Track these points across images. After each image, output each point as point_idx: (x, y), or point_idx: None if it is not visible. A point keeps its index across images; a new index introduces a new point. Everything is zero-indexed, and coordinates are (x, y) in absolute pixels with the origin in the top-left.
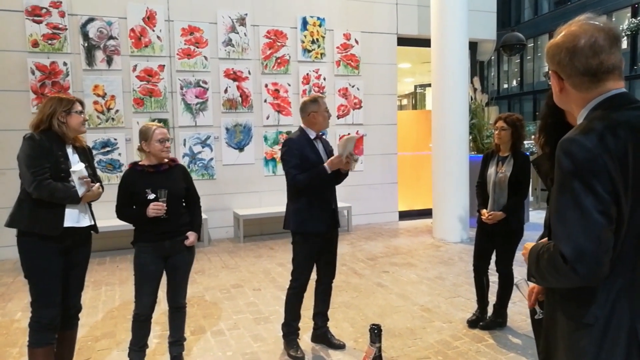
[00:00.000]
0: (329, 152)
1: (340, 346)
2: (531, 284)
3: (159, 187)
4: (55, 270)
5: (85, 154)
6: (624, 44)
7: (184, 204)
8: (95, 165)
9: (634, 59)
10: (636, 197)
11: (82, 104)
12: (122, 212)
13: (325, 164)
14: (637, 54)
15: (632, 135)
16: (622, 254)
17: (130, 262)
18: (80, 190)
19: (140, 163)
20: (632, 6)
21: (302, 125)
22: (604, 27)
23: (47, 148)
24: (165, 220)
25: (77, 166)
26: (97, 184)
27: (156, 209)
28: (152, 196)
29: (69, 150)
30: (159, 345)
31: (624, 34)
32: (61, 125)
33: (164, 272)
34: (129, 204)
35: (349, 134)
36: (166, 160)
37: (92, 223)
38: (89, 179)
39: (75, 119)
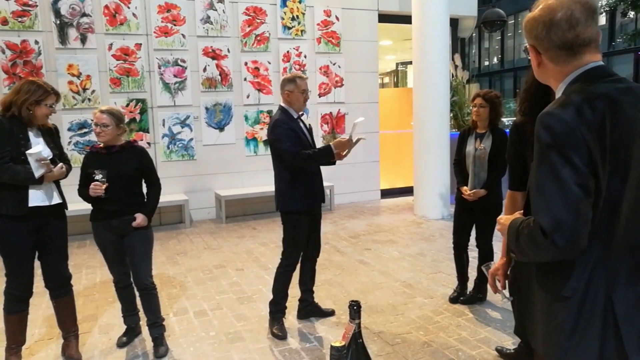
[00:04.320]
0: (310, 131)
1: (329, 313)
2: (492, 268)
3: (103, 168)
4: (26, 249)
5: (51, 134)
6: (602, 20)
7: (138, 185)
8: (72, 145)
9: (612, 35)
10: (613, 168)
11: (57, 96)
12: (79, 191)
13: (332, 144)
14: (615, 30)
15: (609, 108)
16: (598, 225)
17: None
18: (38, 172)
19: (96, 145)
20: None
21: (282, 104)
22: (580, 0)
23: (7, 131)
24: (111, 199)
25: (34, 149)
26: (60, 164)
27: (94, 188)
28: (99, 176)
29: (32, 133)
30: (142, 327)
31: (602, 10)
32: (28, 114)
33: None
34: (87, 184)
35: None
36: (122, 141)
37: (60, 201)
38: (47, 161)
39: (44, 110)
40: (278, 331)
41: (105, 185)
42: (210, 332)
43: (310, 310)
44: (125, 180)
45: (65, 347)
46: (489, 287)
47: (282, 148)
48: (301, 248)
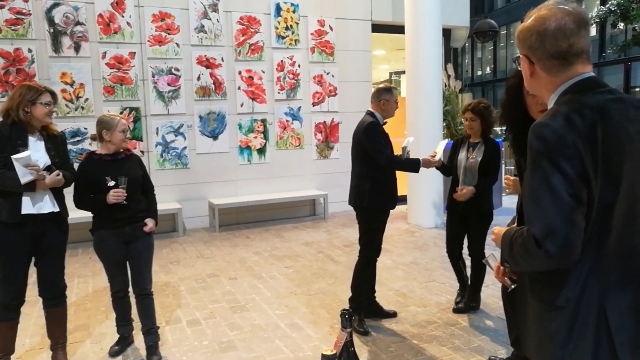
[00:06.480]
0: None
1: (391, 314)
2: (496, 263)
3: (118, 175)
4: (20, 256)
5: (55, 142)
6: (593, 32)
7: (141, 191)
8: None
9: (602, 45)
10: (605, 177)
11: (53, 94)
12: (80, 200)
13: (422, 159)
14: (606, 41)
15: (601, 117)
16: (591, 234)
17: None
18: (25, 178)
19: (97, 152)
20: None
21: (372, 109)
22: (572, 11)
23: (5, 137)
24: (124, 206)
25: (21, 154)
26: (56, 172)
27: (117, 195)
28: (112, 183)
29: (33, 138)
30: (134, 336)
31: (593, 21)
32: (26, 115)
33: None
34: (87, 192)
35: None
36: (122, 149)
37: (56, 209)
38: (37, 167)
39: (40, 109)
40: (359, 327)
41: (125, 192)
42: (203, 342)
43: (372, 309)
44: (135, 187)
45: (54, 359)
46: (482, 294)
47: (377, 148)
48: (377, 245)
